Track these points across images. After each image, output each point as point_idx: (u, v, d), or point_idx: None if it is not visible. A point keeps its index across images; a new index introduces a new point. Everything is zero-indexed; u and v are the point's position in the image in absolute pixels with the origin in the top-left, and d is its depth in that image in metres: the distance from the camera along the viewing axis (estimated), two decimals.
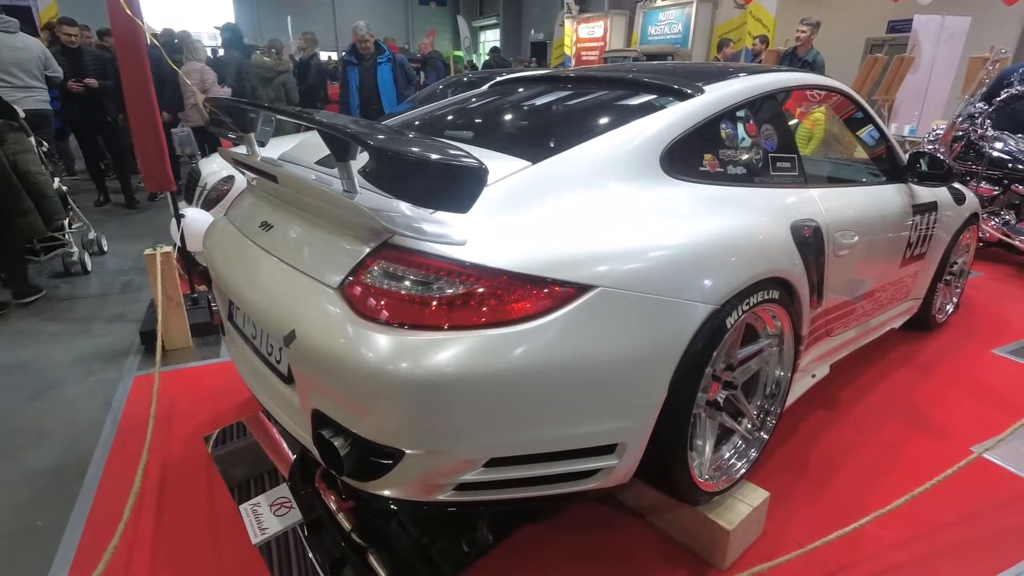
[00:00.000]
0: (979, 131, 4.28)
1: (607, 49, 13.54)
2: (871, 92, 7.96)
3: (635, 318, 1.26)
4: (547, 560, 1.65)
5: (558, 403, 1.22)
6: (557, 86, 2.08)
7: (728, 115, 1.77)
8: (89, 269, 4.08)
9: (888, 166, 2.47)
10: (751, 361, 1.72)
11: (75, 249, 4.01)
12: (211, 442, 2.13)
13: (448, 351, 1.13)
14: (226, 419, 2.27)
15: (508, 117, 1.93)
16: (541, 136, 1.70)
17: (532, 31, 22.22)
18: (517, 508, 1.45)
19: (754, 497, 1.68)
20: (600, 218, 1.35)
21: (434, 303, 1.15)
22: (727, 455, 1.70)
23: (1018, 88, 4.39)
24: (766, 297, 1.53)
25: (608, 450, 1.33)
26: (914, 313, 2.92)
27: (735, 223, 1.51)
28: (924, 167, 2.40)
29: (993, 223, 4.22)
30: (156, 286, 2.63)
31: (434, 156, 1.10)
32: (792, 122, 2.12)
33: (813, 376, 2.15)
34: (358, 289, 1.19)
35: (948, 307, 3.23)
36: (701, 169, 1.65)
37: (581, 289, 1.22)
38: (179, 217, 2.99)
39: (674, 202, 1.49)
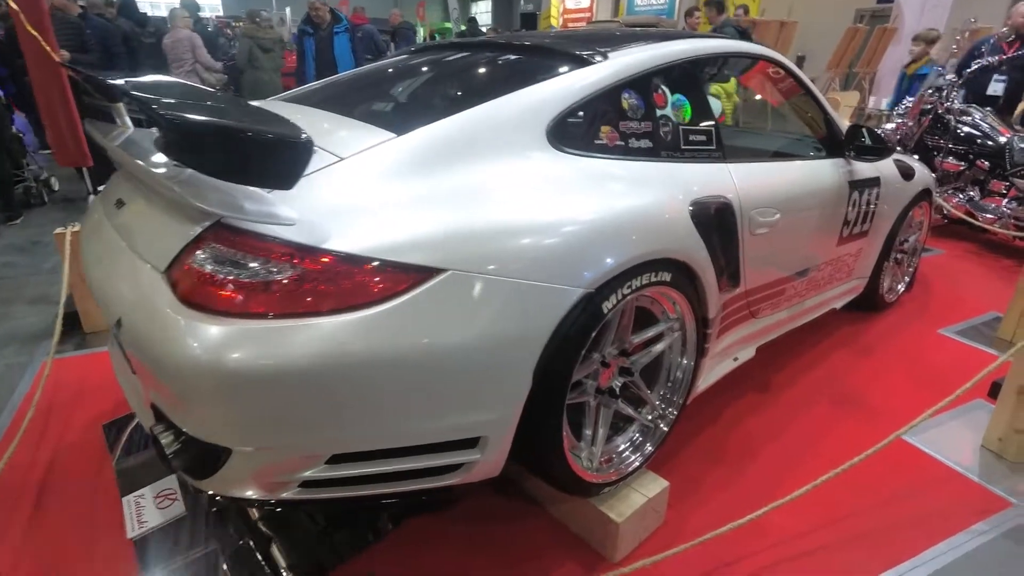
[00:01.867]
0: (946, 104, 4.15)
1: (592, 20, 13.22)
2: (852, 64, 7.80)
3: (491, 304, 1.17)
4: (441, 552, 1.59)
5: (404, 396, 1.13)
6: (462, 53, 1.95)
7: (633, 84, 1.65)
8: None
9: (827, 140, 2.37)
10: (653, 346, 1.64)
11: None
12: (109, 430, 2.05)
13: (272, 342, 1.03)
14: (127, 406, 2.19)
15: (393, 86, 1.80)
16: (417, 106, 1.59)
17: (522, 2, 21.68)
18: (387, 504, 1.38)
19: (652, 487, 1.62)
20: (462, 195, 1.24)
21: (260, 289, 1.06)
22: (621, 446, 1.62)
23: (988, 59, 4.25)
24: (654, 280, 1.44)
25: (470, 444, 1.25)
26: (859, 293, 2.84)
27: (620, 201, 1.41)
28: (868, 141, 2.29)
29: (957, 199, 4.12)
30: (65, 266, 2.52)
31: (243, 128, 0.99)
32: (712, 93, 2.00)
33: (736, 359, 2.07)
34: (182, 274, 1.10)
35: (899, 286, 3.15)
36: (597, 142, 1.54)
37: (428, 273, 1.12)
38: (96, 193, 2.86)
39: (555, 178, 1.39)
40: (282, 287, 1.06)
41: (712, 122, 1.85)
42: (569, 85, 1.53)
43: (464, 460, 1.25)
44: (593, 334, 1.33)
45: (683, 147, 1.74)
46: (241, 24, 6.18)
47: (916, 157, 4.43)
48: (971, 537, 1.68)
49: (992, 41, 4.46)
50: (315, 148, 1.26)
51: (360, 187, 1.20)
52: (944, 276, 3.63)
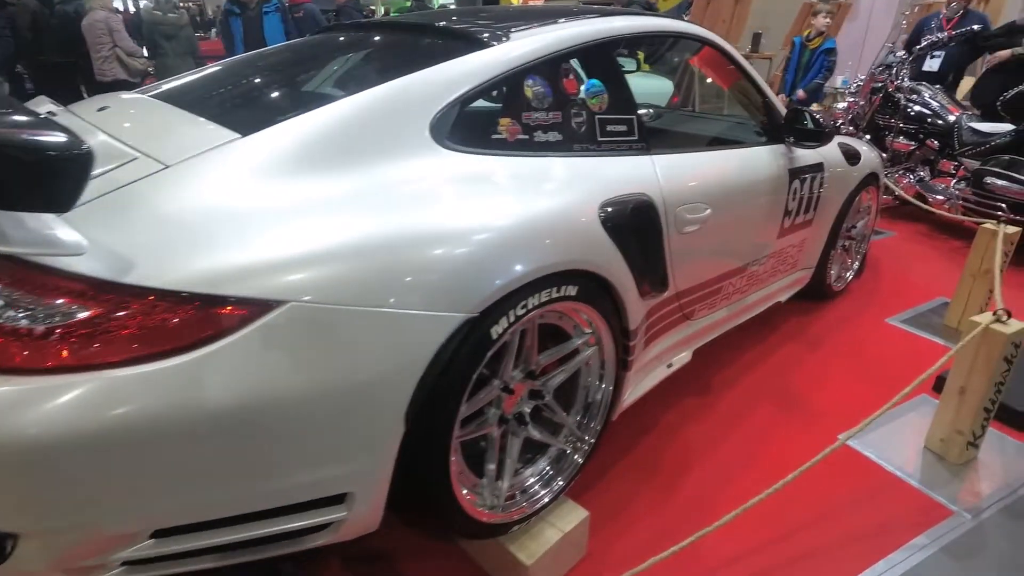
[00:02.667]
0: (895, 82, 4.06)
1: None
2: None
3: (343, 341, 0.98)
4: None
5: (230, 457, 0.94)
6: (357, 37, 1.73)
7: (537, 69, 1.46)
8: None
9: (766, 126, 2.22)
10: (567, 364, 1.47)
11: None
12: None
13: (55, 402, 0.83)
14: None
15: (268, 76, 1.57)
16: (278, 100, 1.37)
17: None
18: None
19: (569, 519, 1.46)
20: (309, 208, 1.04)
21: (37, 336, 0.85)
22: (529, 480, 1.45)
23: (937, 36, 4.17)
24: (557, 296, 1.27)
25: (334, 501, 1.06)
26: (806, 283, 2.73)
27: (513, 207, 1.22)
28: (807, 125, 2.15)
29: (907, 180, 4.06)
30: None
31: None
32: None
33: (670, 366, 1.93)
34: None
35: (847, 274, 3.06)
36: (495, 137, 1.35)
37: (260, 307, 0.93)
38: None
39: (435, 182, 1.20)
40: (64, 334, 0.85)
41: (634, 111, 1.67)
42: (458, 72, 1.33)
43: (328, 520, 1.07)
44: (482, 364, 1.16)
45: (600, 139, 1.56)
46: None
47: (868, 137, 4.38)
48: (911, 553, 1.58)
49: (941, 16, 4.39)
50: (137, 155, 1.04)
51: (182, 201, 0.99)
52: (895, 260, 3.56)
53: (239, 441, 0.94)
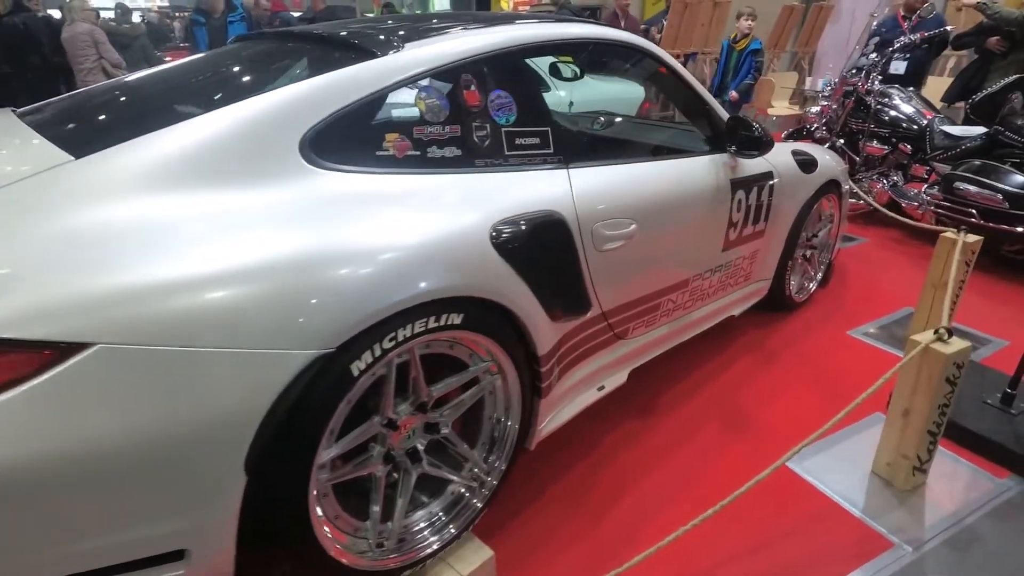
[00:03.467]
0: (865, 85, 3.97)
1: (537, 3, 12.82)
2: (791, 44, 7.64)
3: (164, 386, 0.89)
4: None
5: (40, 515, 0.85)
6: (261, 47, 1.65)
7: (433, 81, 1.37)
8: None
9: (706, 135, 2.13)
10: (466, 394, 1.38)
11: None
12: None
13: None
14: None
15: (143, 91, 1.48)
16: (136, 117, 1.28)
17: None
18: None
19: (470, 561, 1.37)
20: (137, 237, 0.95)
21: None
22: (419, 525, 1.35)
23: (910, 37, 4.08)
24: (437, 325, 1.18)
25: (170, 558, 0.97)
26: (764, 295, 2.64)
27: (379, 232, 1.13)
28: (750, 133, 2.05)
29: (880, 185, 3.96)
30: None
31: None
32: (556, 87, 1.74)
33: (601, 388, 1.83)
34: None
35: (810, 284, 2.96)
36: (380, 153, 1.27)
37: (64, 350, 0.84)
38: None
39: (297, 205, 1.11)
40: None
41: (548, 122, 1.58)
42: (336, 85, 1.24)
43: None
44: (343, 403, 1.06)
45: (508, 154, 1.47)
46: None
47: (842, 142, 4.29)
48: None
49: (898, 17, 4.32)
50: None
51: None
52: (864, 268, 3.46)
53: (43, 499, 0.84)
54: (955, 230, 2.42)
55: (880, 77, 4.04)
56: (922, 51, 4.42)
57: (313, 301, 0.99)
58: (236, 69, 1.50)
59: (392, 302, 1.07)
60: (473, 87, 1.44)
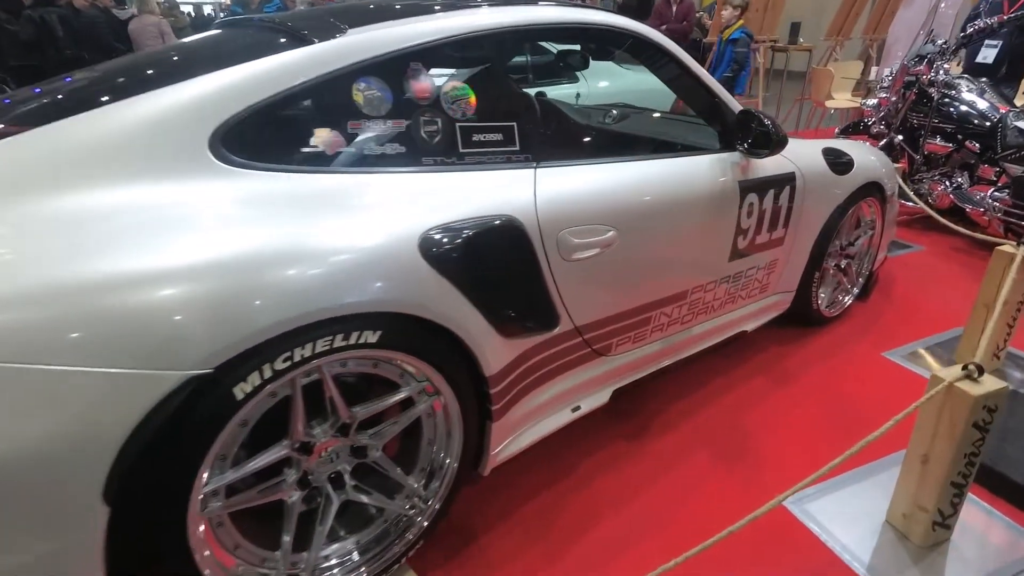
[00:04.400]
0: (929, 76, 3.56)
1: None
2: (846, 31, 7.03)
3: (12, 403, 0.81)
4: None
5: None
6: (234, 31, 1.56)
7: (374, 70, 1.25)
8: None
9: (716, 131, 1.91)
10: (401, 417, 1.26)
11: None
12: None
13: None
14: None
15: (93, 76, 1.40)
16: (56, 104, 1.21)
17: None
18: None
19: None
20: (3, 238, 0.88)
21: None
22: (341, 557, 1.24)
23: (986, 20, 3.63)
24: (346, 344, 1.06)
25: None
26: (786, 309, 2.39)
27: (279, 238, 1.02)
28: (767, 129, 1.82)
29: (942, 187, 3.56)
30: None
31: None
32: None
33: (576, 409, 1.67)
34: None
35: (845, 298, 2.67)
36: (306, 151, 1.16)
37: None
38: None
39: (195, 207, 1.01)
40: None
41: (516, 116, 1.43)
42: (256, 76, 1.14)
43: None
44: (229, 427, 0.96)
45: (463, 151, 1.34)
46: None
47: (900, 138, 3.89)
48: None
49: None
50: None
51: None
52: (914, 280, 3.11)
53: None
54: (1015, 243, 2.11)
55: (947, 66, 3.61)
56: (1018, 38, 3.88)
57: (179, 318, 0.89)
58: (181, 57, 1.42)
59: (276, 321, 0.96)
60: (423, 77, 1.30)
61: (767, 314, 2.30)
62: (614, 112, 2.54)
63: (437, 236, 1.17)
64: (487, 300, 1.26)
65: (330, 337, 1.03)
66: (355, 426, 1.19)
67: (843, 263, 2.58)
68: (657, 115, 2.61)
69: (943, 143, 3.62)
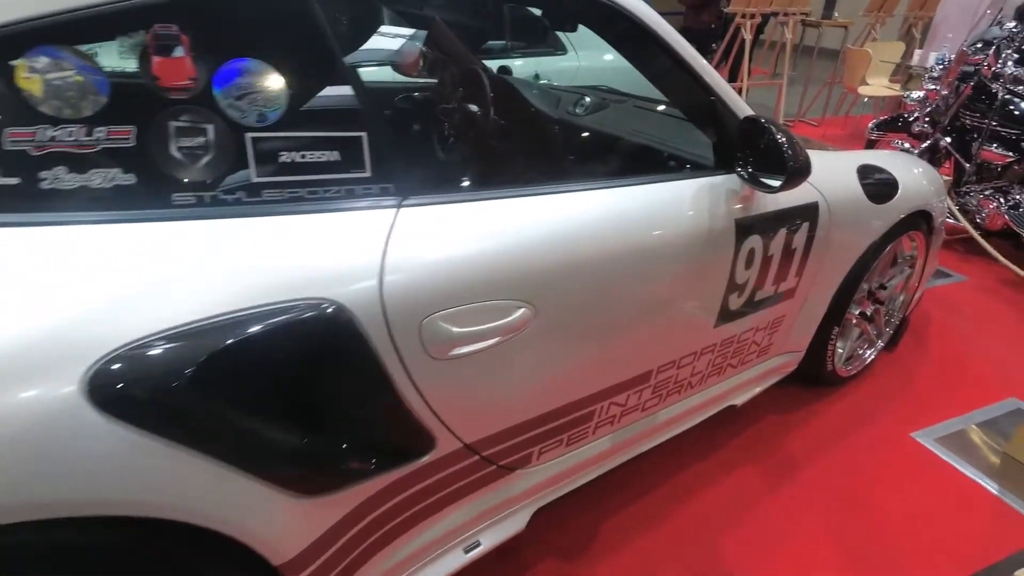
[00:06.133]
0: (992, 67, 2.91)
1: None
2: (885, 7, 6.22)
3: None
4: None
5: None
6: None
7: (68, 30, 0.69)
8: None
9: (714, 142, 1.33)
10: None
11: None
12: None
13: None
14: None
15: None
16: None
17: None
18: None
19: None
20: None
21: None
22: None
23: None
24: None
25: None
26: (789, 372, 1.84)
27: None
28: (786, 149, 1.23)
29: (994, 205, 2.94)
30: None
31: None
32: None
33: (472, 548, 1.16)
34: None
35: (867, 352, 2.10)
36: None
37: None
38: None
39: None
40: None
41: (366, 123, 0.87)
42: None
43: None
44: None
45: (257, 181, 0.79)
46: None
47: (949, 140, 3.25)
48: None
49: None
50: None
51: None
52: (956, 323, 2.53)
53: None
54: None
55: (1012, 54, 2.95)
56: None
57: None
58: None
59: None
60: (178, 47, 0.74)
61: (765, 381, 1.75)
62: (587, 100, 1.94)
63: (142, 359, 0.63)
64: (266, 447, 0.73)
65: None
66: None
67: (870, 310, 2.01)
68: (647, 106, 1.98)
69: (1002, 151, 2.98)
